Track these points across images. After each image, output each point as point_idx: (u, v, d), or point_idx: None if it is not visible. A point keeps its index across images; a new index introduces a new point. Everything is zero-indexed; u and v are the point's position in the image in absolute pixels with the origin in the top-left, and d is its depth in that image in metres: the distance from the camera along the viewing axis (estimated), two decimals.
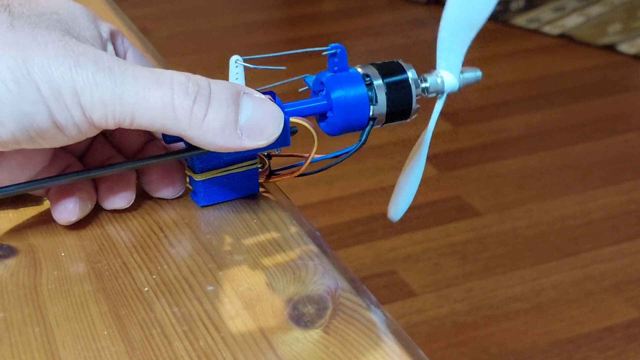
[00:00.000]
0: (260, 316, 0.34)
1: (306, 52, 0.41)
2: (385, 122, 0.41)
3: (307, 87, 0.42)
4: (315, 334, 0.33)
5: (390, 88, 0.40)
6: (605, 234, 1.45)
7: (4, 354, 0.33)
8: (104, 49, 0.38)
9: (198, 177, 0.40)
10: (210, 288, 0.36)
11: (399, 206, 0.44)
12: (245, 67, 0.39)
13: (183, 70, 0.37)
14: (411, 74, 0.41)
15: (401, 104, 0.40)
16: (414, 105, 0.41)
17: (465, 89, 0.42)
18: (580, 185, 1.59)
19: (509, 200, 1.54)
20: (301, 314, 0.34)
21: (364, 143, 0.41)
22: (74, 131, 0.35)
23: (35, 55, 0.33)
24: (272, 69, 0.40)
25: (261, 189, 0.43)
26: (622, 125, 1.82)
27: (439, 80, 0.41)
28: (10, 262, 0.38)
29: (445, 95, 0.41)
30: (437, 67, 0.41)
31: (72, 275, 0.37)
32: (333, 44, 0.39)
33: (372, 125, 0.40)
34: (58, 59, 0.33)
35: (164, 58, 0.61)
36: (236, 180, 0.41)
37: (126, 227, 0.40)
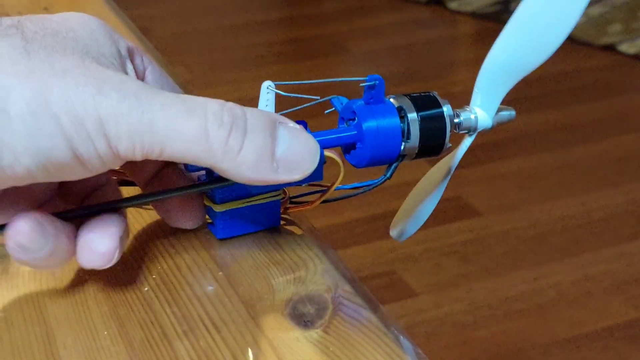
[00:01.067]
0: (260, 316, 0.34)
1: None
2: (415, 158, 0.38)
3: (332, 109, 0.39)
4: (315, 333, 0.33)
5: (424, 122, 0.38)
6: (605, 235, 1.45)
7: (5, 355, 0.33)
8: (124, 67, 0.36)
9: (218, 208, 0.38)
10: (210, 288, 0.36)
11: (406, 229, 0.43)
12: (277, 93, 0.37)
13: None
14: (447, 109, 0.38)
15: (434, 141, 0.38)
16: (447, 142, 0.39)
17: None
18: (580, 186, 1.59)
19: (509, 200, 1.54)
20: (301, 313, 0.34)
21: (388, 178, 0.38)
22: (97, 164, 0.32)
23: (53, 84, 0.30)
24: (305, 97, 0.38)
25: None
26: (623, 126, 1.82)
27: (472, 117, 0.39)
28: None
29: (476, 133, 0.40)
30: (472, 102, 0.39)
31: (72, 276, 0.37)
32: (372, 75, 0.37)
33: (401, 161, 0.38)
34: (79, 87, 0.31)
35: (165, 58, 0.61)
36: (257, 212, 0.39)
37: None
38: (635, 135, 1.78)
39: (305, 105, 0.38)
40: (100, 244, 0.34)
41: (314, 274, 0.37)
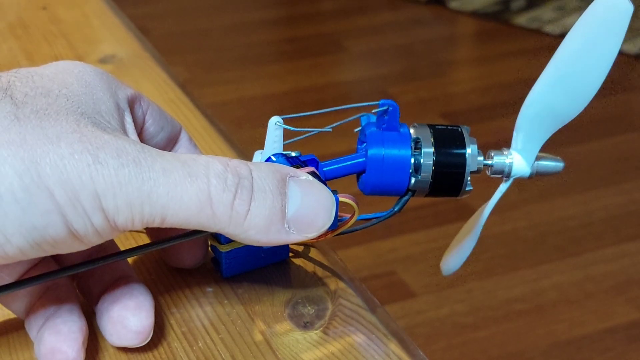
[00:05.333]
0: (259, 317, 0.34)
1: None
2: (428, 195, 0.36)
3: (359, 128, 0.37)
4: (314, 334, 0.33)
5: (441, 160, 0.35)
6: (606, 235, 1.45)
7: (3, 356, 0.32)
8: (122, 123, 0.33)
9: (224, 248, 0.35)
10: (209, 289, 0.36)
11: (452, 266, 0.41)
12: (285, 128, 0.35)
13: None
14: (470, 150, 0.35)
15: (449, 182, 0.35)
16: (466, 186, 0.36)
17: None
18: (581, 186, 1.58)
19: (509, 200, 1.53)
20: (301, 314, 0.34)
21: (396, 212, 0.35)
22: (94, 238, 0.30)
23: (46, 154, 0.28)
24: (318, 131, 0.36)
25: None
26: (623, 125, 1.82)
27: (507, 161, 0.37)
28: None
29: (512, 180, 0.37)
30: (512, 146, 0.37)
31: None
32: (384, 100, 0.34)
33: (412, 196, 0.35)
34: (74, 156, 0.28)
35: (163, 57, 0.60)
36: (265, 248, 0.37)
37: None
38: (636, 134, 1.78)
39: (314, 131, 0.36)
40: (135, 321, 0.32)
41: (314, 274, 0.37)
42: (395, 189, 0.35)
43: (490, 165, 0.36)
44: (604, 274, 1.35)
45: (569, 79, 0.35)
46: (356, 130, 0.37)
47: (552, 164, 0.37)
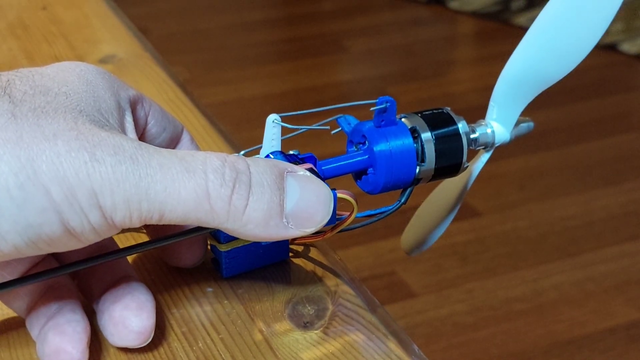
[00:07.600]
0: (259, 317, 0.34)
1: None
2: (431, 180, 0.37)
3: (339, 129, 0.37)
4: (314, 335, 0.33)
5: (439, 142, 0.36)
6: (606, 235, 1.45)
7: (3, 355, 0.32)
8: (122, 122, 0.33)
9: (223, 248, 0.35)
10: (209, 289, 0.36)
11: (419, 245, 0.41)
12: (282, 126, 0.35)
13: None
14: (462, 126, 0.36)
15: (451, 160, 0.36)
16: (465, 162, 0.37)
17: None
18: (581, 186, 1.58)
19: (509, 200, 1.54)
20: (301, 314, 0.34)
21: (403, 204, 0.36)
22: (91, 235, 0.29)
23: (42, 152, 0.28)
24: (313, 128, 0.36)
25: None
26: (623, 125, 1.82)
27: (489, 131, 0.38)
28: None
29: (494, 148, 0.38)
30: (487, 116, 0.38)
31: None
32: (382, 97, 0.34)
33: (417, 184, 0.36)
34: (70, 153, 0.28)
35: (163, 57, 0.60)
36: (265, 247, 0.36)
37: None
38: (636, 134, 1.78)
39: (311, 127, 0.36)
40: (137, 321, 0.32)
41: (314, 274, 0.37)
42: (404, 181, 0.36)
43: (475, 139, 0.38)
44: (604, 274, 1.35)
45: (558, 35, 0.35)
46: (334, 132, 0.37)
47: (525, 125, 0.39)
